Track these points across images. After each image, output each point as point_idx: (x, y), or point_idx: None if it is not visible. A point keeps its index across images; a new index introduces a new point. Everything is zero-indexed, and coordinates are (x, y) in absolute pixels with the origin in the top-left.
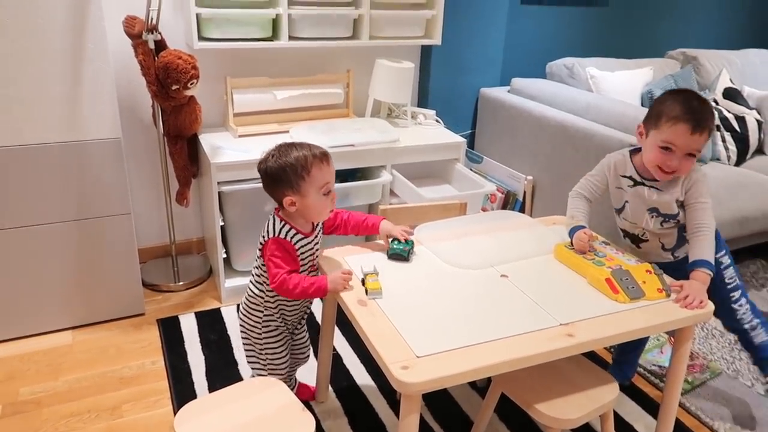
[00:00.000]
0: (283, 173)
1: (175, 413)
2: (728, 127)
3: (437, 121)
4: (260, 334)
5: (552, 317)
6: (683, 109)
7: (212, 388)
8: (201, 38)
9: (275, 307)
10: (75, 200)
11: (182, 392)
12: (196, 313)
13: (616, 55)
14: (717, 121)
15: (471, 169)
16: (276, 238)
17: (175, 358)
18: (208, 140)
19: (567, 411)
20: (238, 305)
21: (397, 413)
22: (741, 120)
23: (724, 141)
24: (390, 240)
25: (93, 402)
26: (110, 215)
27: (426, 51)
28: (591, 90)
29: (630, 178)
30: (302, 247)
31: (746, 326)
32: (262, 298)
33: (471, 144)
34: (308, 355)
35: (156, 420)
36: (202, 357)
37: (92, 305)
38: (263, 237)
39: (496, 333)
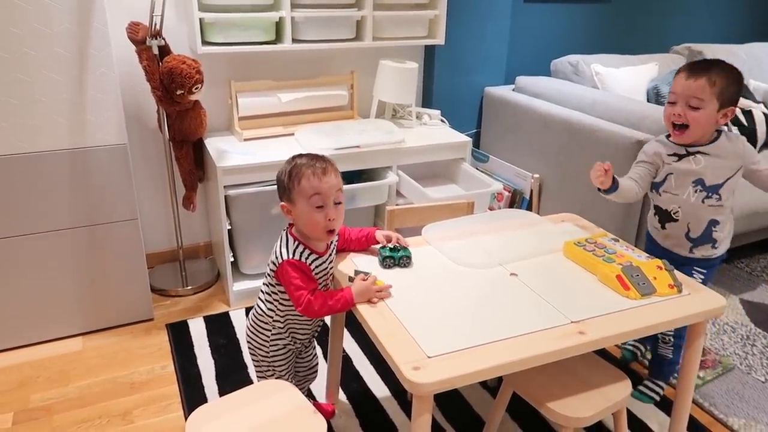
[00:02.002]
0: (281, 179)
1: (185, 417)
2: (735, 122)
3: (442, 120)
4: (267, 352)
5: (563, 315)
6: (688, 63)
7: (222, 391)
8: (205, 43)
9: (284, 327)
10: (82, 207)
11: (192, 396)
12: (204, 317)
13: (620, 51)
14: None
15: (477, 169)
16: (290, 260)
17: (184, 362)
18: (213, 144)
19: (580, 409)
20: (247, 312)
21: (408, 414)
22: (748, 114)
23: None
24: (385, 250)
25: (104, 408)
26: (117, 221)
27: (429, 51)
28: (596, 87)
29: (674, 154)
30: (317, 267)
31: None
32: (272, 317)
33: (476, 143)
34: (316, 372)
35: (167, 425)
36: (212, 361)
37: (101, 311)
38: (276, 257)
39: (506, 332)
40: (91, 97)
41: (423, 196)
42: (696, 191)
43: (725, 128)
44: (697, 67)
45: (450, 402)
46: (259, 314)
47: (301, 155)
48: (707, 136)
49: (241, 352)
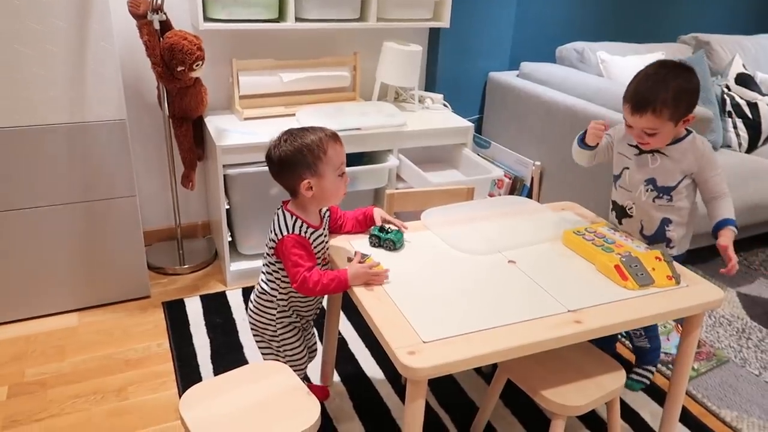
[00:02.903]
0: (300, 155)
1: (180, 396)
2: (740, 114)
3: (445, 105)
4: (275, 331)
5: (560, 303)
6: (630, 90)
7: (217, 371)
8: (207, 19)
9: (288, 305)
10: (80, 182)
11: (187, 375)
12: (201, 296)
13: (627, 39)
14: (729, 107)
15: (478, 155)
16: (292, 235)
17: (180, 340)
18: (213, 123)
19: (573, 398)
20: (244, 292)
21: (402, 398)
22: (753, 106)
23: (735, 128)
24: (374, 229)
25: (98, 383)
26: (115, 197)
27: (434, 34)
28: (601, 75)
29: (635, 146)
30: (315, 240)
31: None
32: (275, 296)
33: (479, 129)
34: (316, 351)
35: (161, 402)
36: (208, 340)
37: (98, 287)
38: (276, 234)
39: (503, 319)
40: (90, 71)
41: (423, 181)
42: (647, 190)
43: (693, 133)
44: (640, 102)
45: (444, 387)
46: (262, 293)
47: (298, 130)
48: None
49: (237, 332)
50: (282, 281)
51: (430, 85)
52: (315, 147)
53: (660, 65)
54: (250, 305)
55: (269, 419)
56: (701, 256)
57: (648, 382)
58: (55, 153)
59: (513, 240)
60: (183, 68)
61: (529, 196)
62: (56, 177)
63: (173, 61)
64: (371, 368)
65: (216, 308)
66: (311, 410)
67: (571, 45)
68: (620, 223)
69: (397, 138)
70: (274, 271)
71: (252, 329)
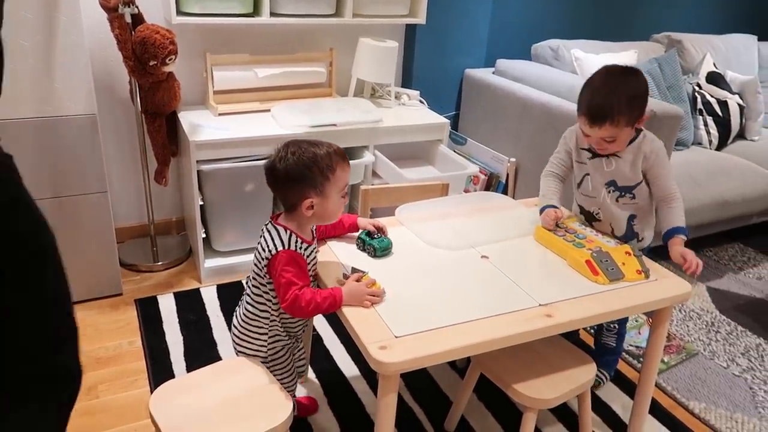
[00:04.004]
0: (307, 171)
1: (152, 393)
2: (710, 112)
3: (421, 101)
4: (266, 356)
5: (531, 298)
6: (584, 103)
7: (191, 368)
8: (180, 13)
9: (281, 325)
10: (49, 178)
11: (160, 372)
12: (174, 294)
13: (601, 37)
14: (700, 105)
15: (454, 151)
16: (288, 250)
17: (153, 338)
18: (187, 118)
19: (545, 391)
20: (219, 290)
21: (376, 393)
22: (723, 104)
23: (706, 125)
24: (362, 233)
25: None
26: (86, 193)
27: (410, 30)
28: (576, 72)
29: (589, 150)
30: (308, 257)
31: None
32: (267, 317)
33: (455, 125)
34: (305, 367)
35: (133, 400)
36: (181, 337)
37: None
38: (269, 251)
39: (475, 313)
40: (58, 65)
41: (399, 177)
42: (609, 191)
43: (644, 132)
44: (597, 115)
45: (418, 382)
46: (251, 318)
47: (306, 144)
48: None
49: (211, 329)
50: (273, 302)
51: (406, 81)
52: (324, 165)
53: (606, 73)
54: (235, 331)
55: (242, 416)
56: None
57: (602, 384)
58: (22, 148)
59: (486, 235)
60: (155, 63)
61: (505, 192)
62: (24, 172)
63: (145, 55)
64: (346, 364)
65: (190, 305)
66: (284, 406)
67: (546, 43)
68: (591, 226)
69: (373, 134)
70: (264, 292)
71: (238, 354)
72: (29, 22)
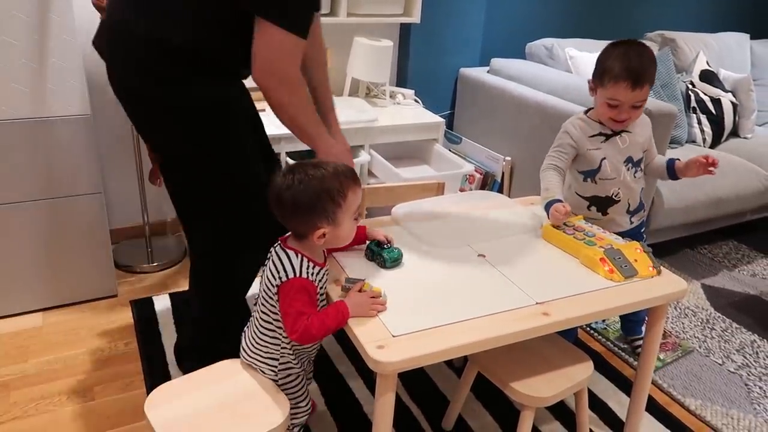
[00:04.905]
0: (318, 202)
1: (147, 395)
2: (704, 110)
3: (416, 101)
4: (276, 381)
5: (528, 296)
6: (622, 67)
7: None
8: None
9: (293, 352)
10: (43, 179)
11: (155, 374)
12: (170, 294)
13: (595, 36)
14: (693, 103)
15: (450, 150)
16: (300, 278)
17: (148, 339)
18: None
19: (541, 389)
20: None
21: (374, 393)
22: (717, 102)
23: (699, 123)
24: (372, 243)
25: (63, 384)
26: (80, 194)
27: (405, 30)
28: (570, 71)
29: (600, 134)
30: (320, 280)
31: None
32: (278, 345)
33: (450, 124)
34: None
35: (129, 402)
36: (177, 338)
37: (63, 286)
38: (281, 276)
39: (472, 312)
40: (51, 65)
41: (394, 176)
42: (628, 169)
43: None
44: (638, 77)
45: (415, 381)
46: (262, 344)
47: (311, 167)
48: None
49: None
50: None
51: (401, 80)
52: (335, 192)
53: (623, 43)
54: (245, 355)
55: (238, 418)
56: (667, 249)
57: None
58: (16, 149)
59: (483, 234)
60: None
61: (500, 191)
62: (18, 173)
63: None
64: (343, 363)
65: (185, 306)
66: (280, 408)
67: (540, 41)
68: (605, 213)
69: (369, 133)
70: (275, 319)
71: None
72: (21, 22)
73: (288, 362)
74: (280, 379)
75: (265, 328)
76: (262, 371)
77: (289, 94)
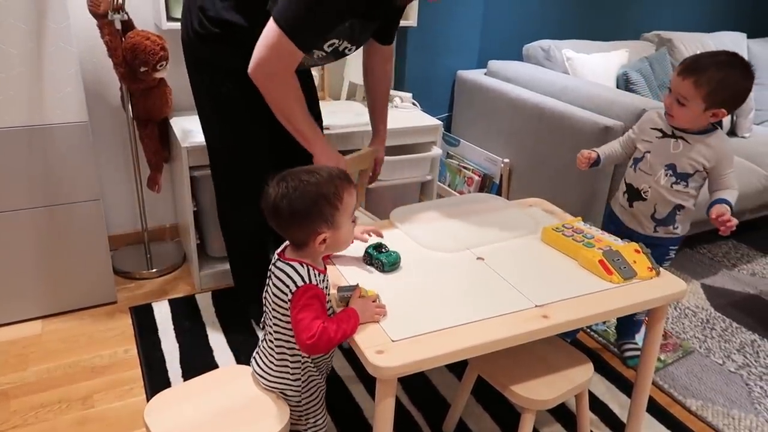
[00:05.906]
0: (315, 207)
1: (147, 402)
2: None
3: (414, 104)
4: (300, 401)
5: (527, 299)
6: (692, 56)
7: (187, 376)
8: (170, 18)
9: (315, 366)
10: (41, 186)
11: (156, 381)
12: (169, 301)
13: (592, 37)
14: None
15: (448, 153)
16: (310, 285)
17: (148, 346)
18: (179, 124)
19: (542, 392)
20: (214, 295)
21: (374, 397)
22: None
23: None
24: (370, 246)
25: (63, 392)
26: (79, 201)
27: (402, 33)
28: (567, 72)
29: (660, 130)
30: (325, 288)
31: None
32: (300, 361)
33: (448, 127)
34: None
35: (129, 409)
36: (177, 345)
37: (62, 294)
38: (289, 290)
39: (471, 316)
40: (48, 72)
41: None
42: (667, 175)
43: (719, 130)
44: (691, 66)
45: (416, 385)
46: (280, 367)
47: (303, 174)
48: (698, 128)
49: (207, 336)
50: None
51: (398, 83)
52: (331, 196)
53: (732, 54)
54: (264, 383)
55: (238, 424)
56: None
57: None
58: (13, 157)
59: (482, 237)
60: (146, 69)
61: (499, 193)
62: (16, 181)
63: (136, 61)
64: (343, 368)
65: (185, 312)
66: (280, 414)
67: (537, 43)
68: (630, 206)
69: (367, 137)
70: (292, 336)
71: None
72: (18, 30)
73: (311, 378)
74: (303, 399)
75: (284, 352)
76: (284, 394)
77: (275, 90)
